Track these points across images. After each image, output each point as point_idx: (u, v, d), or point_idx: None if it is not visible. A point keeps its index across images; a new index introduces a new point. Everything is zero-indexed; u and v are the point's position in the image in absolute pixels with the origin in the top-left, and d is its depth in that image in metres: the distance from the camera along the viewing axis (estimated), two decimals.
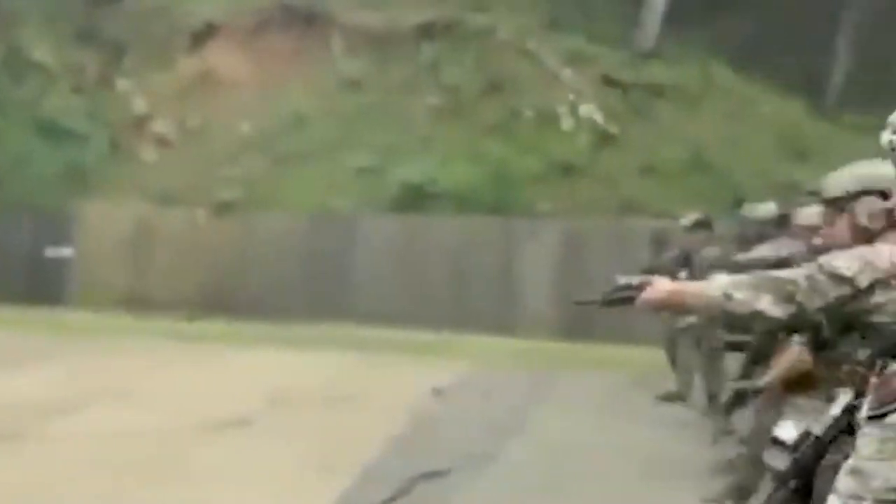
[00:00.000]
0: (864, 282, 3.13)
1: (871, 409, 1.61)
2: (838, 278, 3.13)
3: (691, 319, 8.07)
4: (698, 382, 8.45)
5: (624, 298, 3.61)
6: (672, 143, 14.80)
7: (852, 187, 3.35)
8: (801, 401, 4.77)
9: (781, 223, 6.74)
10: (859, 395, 1.82)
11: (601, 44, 17.25)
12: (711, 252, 8.39)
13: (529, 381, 9.75)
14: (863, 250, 3.22)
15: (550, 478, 6.56)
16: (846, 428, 1.85)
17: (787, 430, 2.08)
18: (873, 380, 1.77)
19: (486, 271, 13.38)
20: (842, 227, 3.39)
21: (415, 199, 14.47)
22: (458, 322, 12.71)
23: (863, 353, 3.18)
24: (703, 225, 8.76)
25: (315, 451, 6.91)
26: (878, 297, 3.13)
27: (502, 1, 18.36)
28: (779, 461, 2.06)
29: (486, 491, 6.26)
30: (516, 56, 16.64)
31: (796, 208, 6.55)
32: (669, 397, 9.07)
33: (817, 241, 5.06)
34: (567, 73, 16.00)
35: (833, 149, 14.96)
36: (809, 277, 3.16)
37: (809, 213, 5.35)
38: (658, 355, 10.22)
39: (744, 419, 6.81)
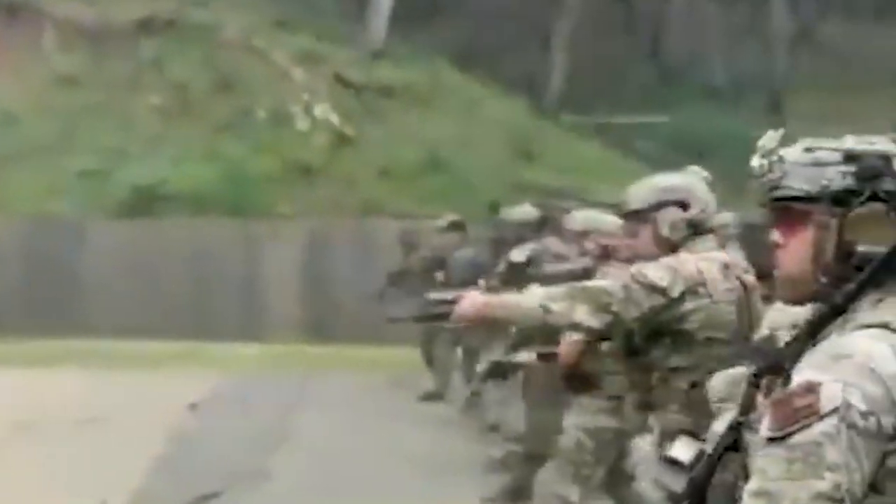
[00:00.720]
0: (676, 291, 3.29)
1: (771, 430, 1.66)
2: (652, 288, 3.28)
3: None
4: (458, 381, 8.62)
5: (438, 314, 3.63)
6: (407, 144, 15.02)
7: (653, 199, 3.48)
8: (585, 400, 5.00)
9: (541, 226, 6.99)
10: (745, 411, 1.88)
11: (330, 43, 17.25)
12: (466, 254, 8.60)
13: (286, 388, 9.59)
14: (669, 261, 3.38)
15: (329, 487, 6.50)
16: (731, 445, 1.91)
17: (684, 451, 2.13)
18: (761, 399, 1.83)
19: (228, 276, 13.02)
20: (645, 238, 3.52)
21: (146, 202, 13.89)
22: (201, 331, 12.28)
23: (675, 360, 3.37)
24: (457, 227, 8.95)
25: (74, 478, 6.48)
26: (688, 305, 3.31)
27: None
28: (675, 482, 2.11)
29: None
30: (245, 54, 16.32)
31: (557, 212, 6.84)
32: (429, 396, 9.21)
33: (589, 244, 5.29)
34: (299, 73, 15.87)
35: (556, 149, 15.77)
36: (624, 288, 3.28)
37: (578, 218, 5.54)
38: (408, 354, 10.38)
39: (511, 417, 7.02)
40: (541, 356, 4.93)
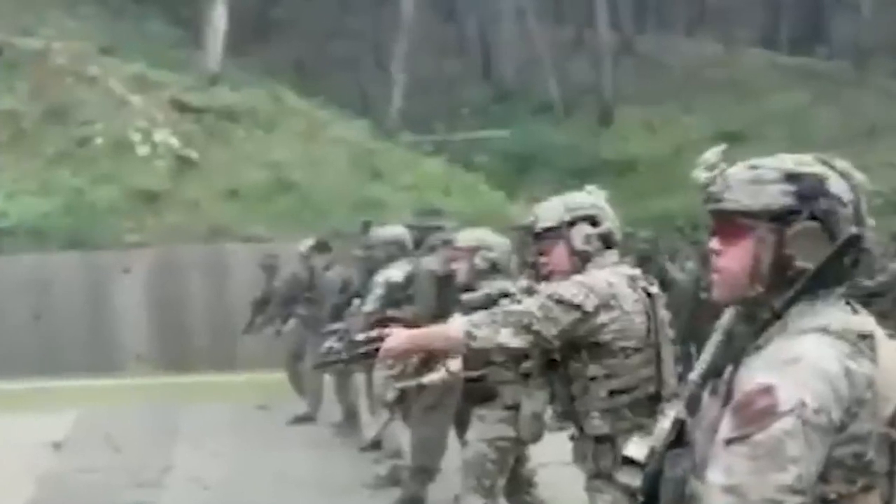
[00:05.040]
0: (590, 306, 3.50)
1: (734, 430, 1.83)
2: (567, 305, 3.48)
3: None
4: (340, 401, 8.65)
5: (366, 353, 3.74)
6: (252, 166, 14.92)
7: (567, 216, 3.68)
8: (484, 411, 5.17)
9: (416, 245, 7.14)
10: (692, 410, 2.04)
11: (165, 68, 16.97)
12: (336, 275, 8.66)
13: (152, 422, 9.39)
14: (581, 278, 3.58)
15: None
16: (676, 441, 2.07)
17: (638, 449, 2.31)
18: (706, 397, 2.01)
19: (75, 309, 12.61)
20: (559, 253, 3.72)
21: None
22: (50, 367, 11.85)
23: (593, 370, 3.57)
24: (322, 248, 9.00)
25: None
26: (602, 318, 3.52)
27: (51, 25, 17.45)
28: (632, 478, 2.30)
29: None
30: (77, 82, 15.88)
31: (432, 232, 7.03)
32: (300, 419, 9.20)
33: (477, 260, 5.46)
34: (136, 99, 15.53)
35: (401, 167, 15.97)
36: (542, 307, 3.47)
37: (469, 236, 5.71)
38: (264, 379, 10.39)
39: (391, 435, 7.15)
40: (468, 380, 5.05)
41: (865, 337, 1.83)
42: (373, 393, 7.62)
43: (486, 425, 5.07)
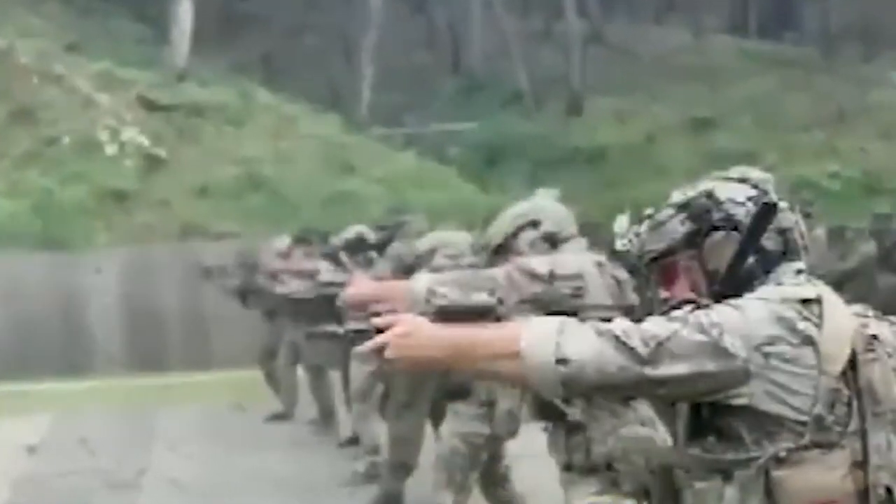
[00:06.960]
0: (549, 272, 3.54)
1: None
2: (532, 275, 3.50)
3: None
4: (316, 399, 8.61)
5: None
6: (222, 163, 14.83)
7: (510, 228, 3.76)
8: (460, 407, 5.16)
9: (386, 243, 7.12)
10: None
11: (132, 66, 16.83)
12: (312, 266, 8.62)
13: (126, 424, 9.30)
14: (551, 257, 3.62)
15: None
16: None
17: None
18: None
19: (46, 311, 12.47)
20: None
21: None
22: (22, 370, 11.72)
23: None
24: (301, 241, 8.97)
25: None
26: (565, 289, 3.54)
27: (15, 23, 17.25)
28: None
29: None
30: (43, 81, 15.71)
31: (407, 225, 7.02)
32: (276, 417, 9.14)
33: (439, 259, 5.46)
34: (103, 98, 15.39)
35: (372, 161, 15.93)
36: (507, 276, 3.49)
37: (427, 238, 5.73)
38: (239, 378, 10.32)
39: (368, 430, 7.13)
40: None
41: (808, 301, 1.97)
42: (349, 389, 7.60)
43: (461, 420, 5.06)
